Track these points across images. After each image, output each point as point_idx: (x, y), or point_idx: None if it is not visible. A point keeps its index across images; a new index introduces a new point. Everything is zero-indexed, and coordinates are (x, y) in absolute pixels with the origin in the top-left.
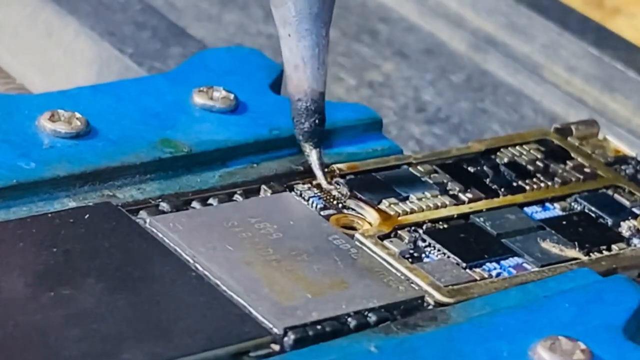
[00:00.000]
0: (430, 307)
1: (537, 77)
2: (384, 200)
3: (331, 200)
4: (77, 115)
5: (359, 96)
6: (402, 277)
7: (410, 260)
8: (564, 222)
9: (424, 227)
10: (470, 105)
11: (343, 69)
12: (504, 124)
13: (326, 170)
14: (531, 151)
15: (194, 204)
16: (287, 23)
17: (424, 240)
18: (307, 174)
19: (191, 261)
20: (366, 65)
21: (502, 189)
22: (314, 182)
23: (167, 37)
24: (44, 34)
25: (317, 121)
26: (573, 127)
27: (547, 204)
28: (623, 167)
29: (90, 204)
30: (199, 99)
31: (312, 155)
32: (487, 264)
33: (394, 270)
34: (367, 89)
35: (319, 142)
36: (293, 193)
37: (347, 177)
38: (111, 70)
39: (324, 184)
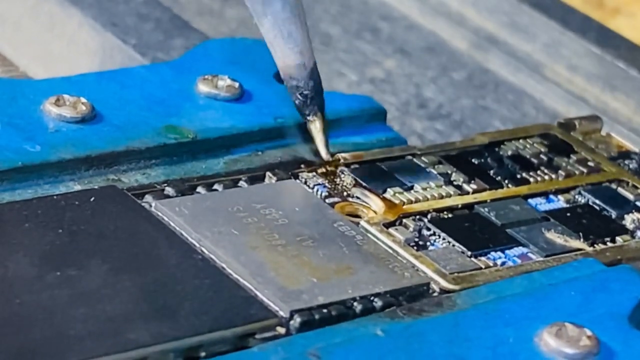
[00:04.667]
0: (435, 293)
1: (539, 76)
2: (388, 189)
3: (336, 188)
4: (83, 100)
5: (361, 92)
6: (408, 264)
7: (415, 248)
8: (568, 214)
9: (429, 216)
10: (471, 103)
11: (345, 65)
12: (506, 121)
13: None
14: (535, 145)
15: (199, 189)
16: (251, 13)
17: (428, 229)
18: (312, 163)
19: (197, 245)
20: (368, 62)
21: (506, 181)
22: (319, 171)
23: (170, 28)
24: (47, 26)
25: (300, 95)
26: (576, 122)
27: (551, 196)
28: (626, 161)
29: (96, 187)
30: (203, 87)
31: (310, 128)
32: (492, 253)
33: (399, 257)
34: (368, 84)
35: (313, 113)
36: (298, 181)
37: (352, 167)
38: (114, 60)
39: (324, 156)
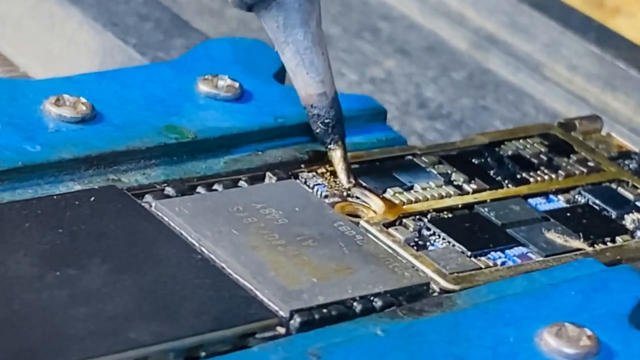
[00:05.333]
0: (435, 293)
1: (539, 76)
2: (388, 189)
3: (336, 188)
4: (83, 100)
5: (361, 91)
6: (408, 264)
7: (415, 247)
8: (568, 214)
9: (429, 216)
10: (471, 102)
11: (345, 65)
12: (506, 121)
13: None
14: (535, 144)
15: (199, 189)
16: (273, 41)
17: (428, 229)
18: (312, 163)
19: (197, 245)
20: (368, 62)
21: (506, 181)
22: (319, 171)
23: (170, 28)
24: (47, 26)
25: (322, 124)
26: (577, 122)
27: (551, 196)
28: (626, 161)
29: (95, 187)
30: (203, 87)
31: (331, 156)
32: (492, 253)
33: (399, 257)
34: (369, 84)
35: (334, 142)
36: (298, 181)
37: (352, 166)
38: (114, 60)
39: (345, 184)
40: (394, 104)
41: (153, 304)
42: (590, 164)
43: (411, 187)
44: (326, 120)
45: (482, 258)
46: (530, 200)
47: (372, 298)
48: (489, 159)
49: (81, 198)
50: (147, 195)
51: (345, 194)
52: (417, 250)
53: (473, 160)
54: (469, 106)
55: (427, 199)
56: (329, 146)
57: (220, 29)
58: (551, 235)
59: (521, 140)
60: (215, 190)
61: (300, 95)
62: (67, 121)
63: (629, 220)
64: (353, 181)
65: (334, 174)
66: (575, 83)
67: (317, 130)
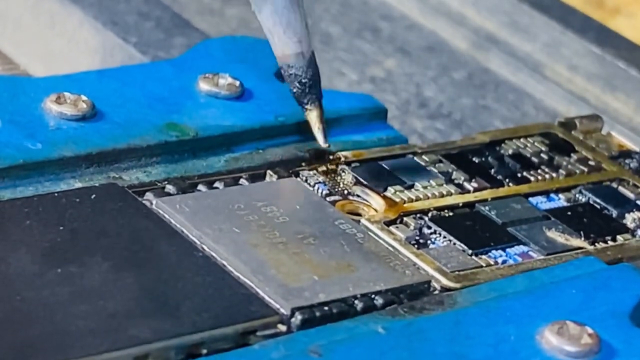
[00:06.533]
0: (436, 291)
1: (539, 76)
2: (389, 188)
3: (336, 186)
4: (83, 97)
5: (361, 91)
6: (409, 262)
7: (416, 246)
8: (569, 213)
9: (430, 214)
10: (472, 102)
11: (345, 65)
12: (506, 121)
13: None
14: (535, 143)
15: (200, 187)
16: (250, 1)
17: (429, 227)
18: (313, 161)
19: (197, 242)
20: (368, 61)
21: (507, 180)
22: (320, 169)
23: (171, 27)
24: (48, 24)
25: (299, 84)
26: (577, 122)
27: (552, 195)
28: (627, 160)
29: (96, 185)
30: (204, 85)
31: (308, 116)
32: (493, 251)
33: (400, 255)
34: (369, 84)
35: (311, 102)
36: (298, 179)
37: (353, 165)
38: (115, 59)
39: (321, 143)
40: (394, 104)
41: (154, 302)
42: (591, 163)
43: (412, 186)
44: (303, 80)
45: (483, 256)
46: (531, 199)
47: (373, 296)
48: (489, 158)
49: (82, 196)
50: (148, 193)
51: (346, 192)
52: (418, 248)
53: (474, 159)
54: (469, 106)
55: (428, 198)
56: (306, 106)
57: (221, 28)
58: (552, 234)
59: (522, 139)
60: (216, 188)
61: (277, 54)
62: (68, 119)
63: (629, 219)
64: (328, 143)
65: (335, 172)
66: (575, 83)
67: (294, 90)
